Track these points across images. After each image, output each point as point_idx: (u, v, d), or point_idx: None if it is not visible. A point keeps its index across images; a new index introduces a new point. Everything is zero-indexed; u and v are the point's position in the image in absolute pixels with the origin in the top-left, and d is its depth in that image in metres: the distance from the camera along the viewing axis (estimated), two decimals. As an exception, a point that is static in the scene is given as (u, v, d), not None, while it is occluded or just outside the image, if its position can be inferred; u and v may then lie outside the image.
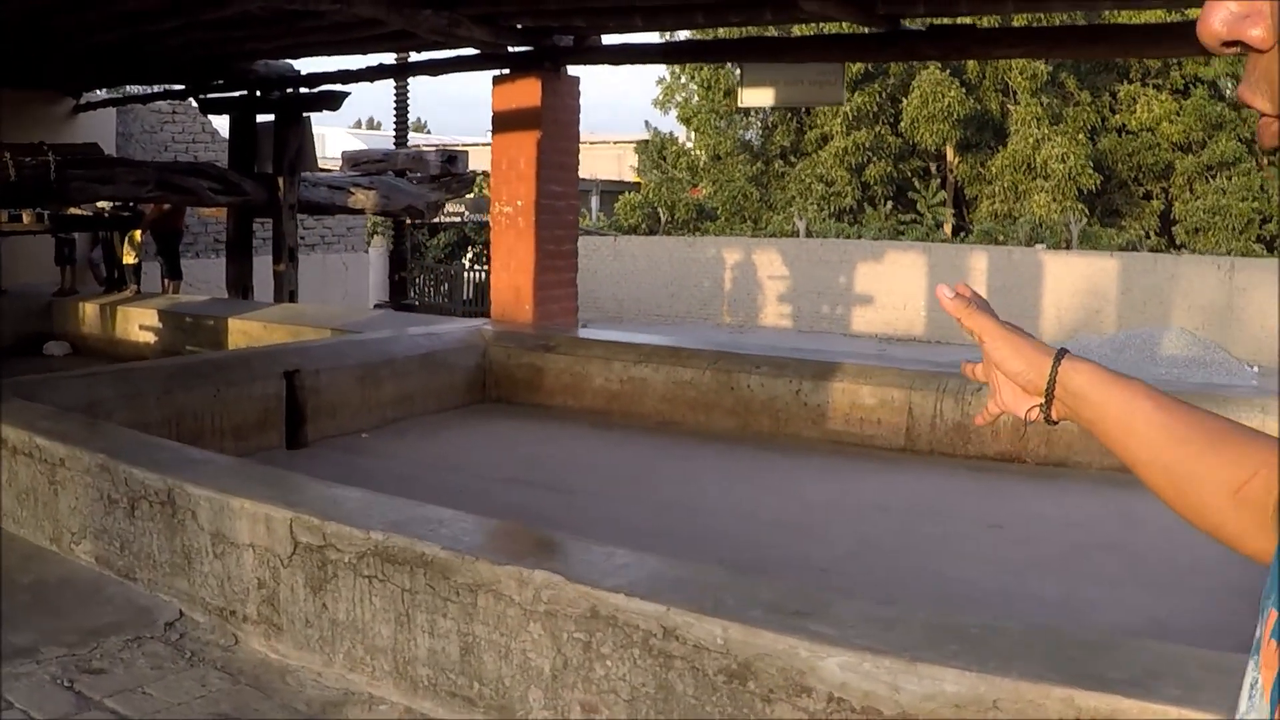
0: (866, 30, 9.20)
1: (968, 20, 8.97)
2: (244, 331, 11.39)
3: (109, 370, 7.76)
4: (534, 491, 7.13)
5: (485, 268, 25.91)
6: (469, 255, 28.08)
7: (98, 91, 16.37)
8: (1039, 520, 6.64)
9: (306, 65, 13.34)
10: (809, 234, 26.29)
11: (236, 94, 13.63)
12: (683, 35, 20.80)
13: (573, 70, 10.53)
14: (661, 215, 31.46)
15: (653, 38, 15.56)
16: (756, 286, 22.80)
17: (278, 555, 4.39)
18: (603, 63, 10.61)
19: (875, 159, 30.25)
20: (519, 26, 9.96)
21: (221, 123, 18.48)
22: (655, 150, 35.51)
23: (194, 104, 16.87)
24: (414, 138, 44.85)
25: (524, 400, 9.57)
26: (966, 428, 7.81)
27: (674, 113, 34.83)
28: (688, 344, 9.57)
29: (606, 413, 9.16)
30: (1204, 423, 1.20)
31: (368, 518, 4.25)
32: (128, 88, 16.62)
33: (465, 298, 24.99)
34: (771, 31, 11.03)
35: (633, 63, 10.69)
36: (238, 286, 13.57)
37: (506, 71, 10.43)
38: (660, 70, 35.92)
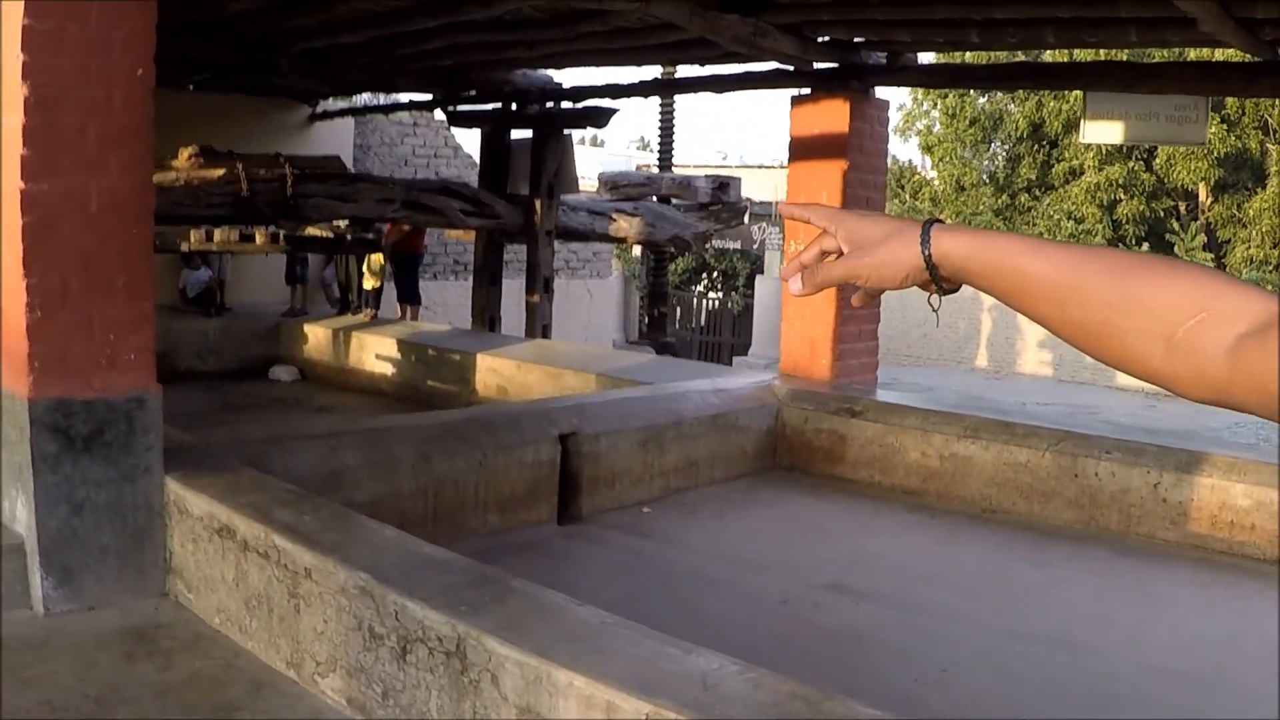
0: (1240, 58, 7.64)
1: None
2: (494, 370, 10.23)
3: (355, 431, 6.56)
4: (872, 609, 5.71)
5: (719, 295, 24.85)
6: (703, 282, 26.94)
7: (333, 100, 15.47)
8: None
9: (565, 79, 12.20)
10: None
11: (488, 107, 12.54)
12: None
13: (880, 93, 9.13)
14: (903, 247, 29.77)
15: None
16: (1015, 330, 20.93)
17: (620, 758, 3.05)
18: (916, 84, 9.25)
19: (1127, 196, 28.08)
20: (819, 40, 8.59)
21: (465, 136, 17.55)
22: (894, 179, 33.78)
23: (439, 116, 15.90)
24: (639, 156, 43.93)
25: (820, 471, 8.16)
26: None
27: (914, 140, 33.12)
28: (1019, 419, 8.04)
29: (920, 493, 7.72)
30: (1113, 272, 1.09)
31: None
32: (365, 97, 15.65)
33: (698, 326, 23.84)
34: (1121, 55, 9.45)
35: (951, 86, 9.54)
36: (483, 316, 12.42)
37: (807, 91, 9.05)
38: (902, 96, 34.24)
